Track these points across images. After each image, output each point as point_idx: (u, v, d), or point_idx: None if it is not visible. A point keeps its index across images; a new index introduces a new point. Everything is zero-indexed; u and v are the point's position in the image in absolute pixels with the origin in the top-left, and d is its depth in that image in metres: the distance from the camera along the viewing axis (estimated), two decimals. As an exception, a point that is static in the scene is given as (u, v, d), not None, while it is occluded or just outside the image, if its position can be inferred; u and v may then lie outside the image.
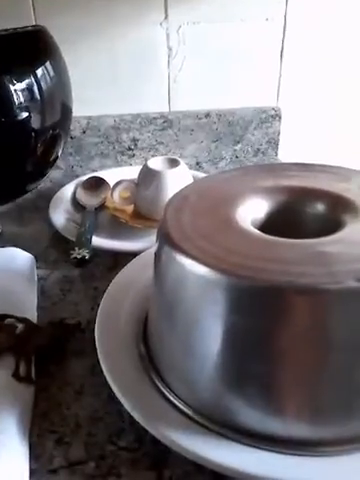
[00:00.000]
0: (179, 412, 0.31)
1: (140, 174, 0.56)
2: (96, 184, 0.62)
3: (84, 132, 0.71)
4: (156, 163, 0.55)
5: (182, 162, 0.55)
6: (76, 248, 0.49)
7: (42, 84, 0.45)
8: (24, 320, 0.40)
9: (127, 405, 0.31)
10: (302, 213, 0.36)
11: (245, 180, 0.38)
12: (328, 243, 0.30)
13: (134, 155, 0.73)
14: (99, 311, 0.39)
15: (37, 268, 0.51)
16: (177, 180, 0.54)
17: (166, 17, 0.66)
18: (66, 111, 0.50)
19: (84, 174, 0.70)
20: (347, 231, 0.31)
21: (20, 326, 0.40)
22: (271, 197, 0.36)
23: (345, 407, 0.30)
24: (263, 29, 0.68)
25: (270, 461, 0.29)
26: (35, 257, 0.51)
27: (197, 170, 0.72)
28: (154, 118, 0.71)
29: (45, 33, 0.46)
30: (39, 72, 0.44)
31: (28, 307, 0.43)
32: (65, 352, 0.39)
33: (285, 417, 0.30)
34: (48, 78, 0.46)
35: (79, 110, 0.68)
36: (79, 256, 0.48)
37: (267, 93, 0.72)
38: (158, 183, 0.54)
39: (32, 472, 0.30)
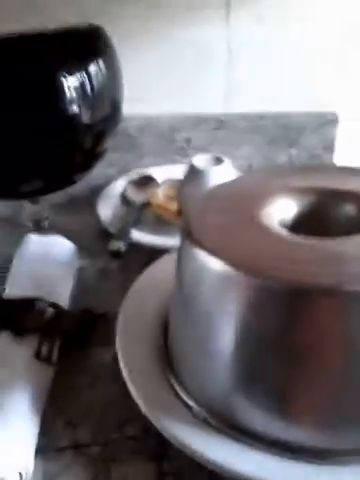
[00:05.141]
0: (186, 407, 0.31)
1: (185, 172, 0.56)
2: (145, 181, 0.63)
3: (139, 130, 0.72)
4: (200, 161, 0.55)
5: (227, 160, 0.55)
6: (114, 241, 0.50)
7: (93, 81, 0.46)
8: (54, 305, 0.42)
9: (134, 394, 0.32)
10: (332, 214, 0.34)
11: (276, 180, 0.37)
12: (350, 244, 0.28)
13: (187, 154, 0.74)
14: (124, 302, 0.40)
15: (79, 258, 0.53)
16: (221, 178, 0.54)
17: (228, 17, 0.66)
18: (116, 107, 0.51)
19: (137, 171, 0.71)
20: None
21: (50, 310, 0.41)
22: (301, 197, 0.35)
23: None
24: (322, 32, 0.66)
25: (271, 466, 0.28)
26: (79, 247, 0.53)
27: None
28: (208, 118, 0.71)
29: (100, 32, 0.48)
30: (91, 69, 0.46)
31: (62, 294, 0.45)
32: (90, 339, 0.41)
33: (296, 423, 0.29)
34: (100, 75, 0.47)
35: (135, 108, 0.70)
36: (115, 248, 0.49)
37: (324, 98, 0.70)
38: (201, 181, 0.54)
39: (40, 449, 0.31)
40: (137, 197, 0.61)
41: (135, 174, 0.66)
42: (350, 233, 0.30)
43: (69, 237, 0.55)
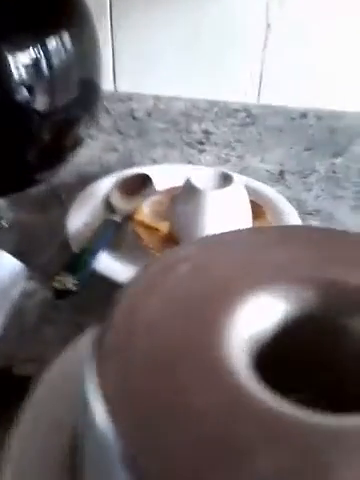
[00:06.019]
0: None
1: (181, 188, 0.43)
2: (139, 183, 0.50)
3: (149, 114, 0.59)
4: (202, 178, 0.41)
5: (238, 180, 0.41)
6: (63, 273, 0.38)
7: (53, 57, 0.34)
8: None
9: None
10: (348, 335, 0.21)
11: (267, 254, 0.24)
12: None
13: (205, 151, 0.60)
14: (35, 391, 0.28)
15: (30, 279, 0.42)
16: (225, 204, 0.41)
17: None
18: (89, 91, 0.39)
19: (143, 163, 0.58)
20: None
21: None
22: (297, 297, 0.21)
23: None
24: None
25: None
26: (32, 264, 0.42)
27: (278, 182, 0.57)
28: (235, 110, 0.57)
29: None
30: (50, 42, 0.33)
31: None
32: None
33: None
34: (63, 50, 0.35)
35: (146, 87, 0.57)
36: (60, 287, 0.36)
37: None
38: (199, 204, 0.41)
39: None
40: (123, 205, 0.48)
41: (130, 172, 0.53)
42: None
43: (27, 246, 0.44)
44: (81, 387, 0.19)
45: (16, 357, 0.35)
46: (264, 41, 0.53)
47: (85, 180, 0.54)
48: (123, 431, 0.16)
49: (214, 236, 0.27)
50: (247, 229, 0.27)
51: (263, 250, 0.24)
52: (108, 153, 0.61)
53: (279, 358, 0.21)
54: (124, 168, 0.55)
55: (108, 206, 0.49)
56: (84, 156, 0.58)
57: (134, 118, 0.59)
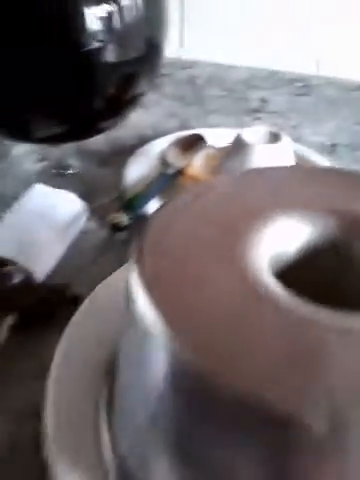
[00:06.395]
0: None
1: (232, 143, 0.46)
2: (193, 143, 0.54)
3: (208, 81, 0.62)
4: (252, 134, 0.44)
5: (286, 138, 0.44)
6: (118, 212, 0.42)
7: (125, 13, 0.38)
8: (26, 272, 0.36)
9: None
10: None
11: (303, 187, 0.26)
12: None
13: (260, 118, 0.62)
14: (75, 316, 0.32)
15: (90, 219, 0.46)
16: (272, 159, 0.43)
17: None
18: (153, 50, 0.42)
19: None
20: None
21: (19, 277, 0.35)
22: (320, 222, 0.24)
23: None
24: None
25: None
26: (93, 207, 0.47)
27: (330, 154, 0.58)
28: (292, 79, 0.59)
29: None
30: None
31: (46, 260, 0.39)
32: (44, 325, 0.34)
33: None
34: (134, 8, 0.38)
35: (206, 54, 0.60)
36: (115, 221, 0.41)
37: None
38: (247, 159, 0.43)
39: None
40: (177, 161, 0.52)
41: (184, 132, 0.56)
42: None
43: (90, 192, 0.49)
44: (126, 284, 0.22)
45: (71, 281, 0.39)
46: (327, 13, 0.55)
47: (145, 141, 0.59)
48: (157, 303, 0.19)
49: (251, 170, 0.30)
50: (284, 166, 0.30)
51: (297, 183, 0.27)
52: (168, 118, 0.64)
53: (297, 279, 0.24)
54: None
55: (163, 162, 0.52)
56: (146, 120, 0.63)
57: (194, 85, 0.62)
